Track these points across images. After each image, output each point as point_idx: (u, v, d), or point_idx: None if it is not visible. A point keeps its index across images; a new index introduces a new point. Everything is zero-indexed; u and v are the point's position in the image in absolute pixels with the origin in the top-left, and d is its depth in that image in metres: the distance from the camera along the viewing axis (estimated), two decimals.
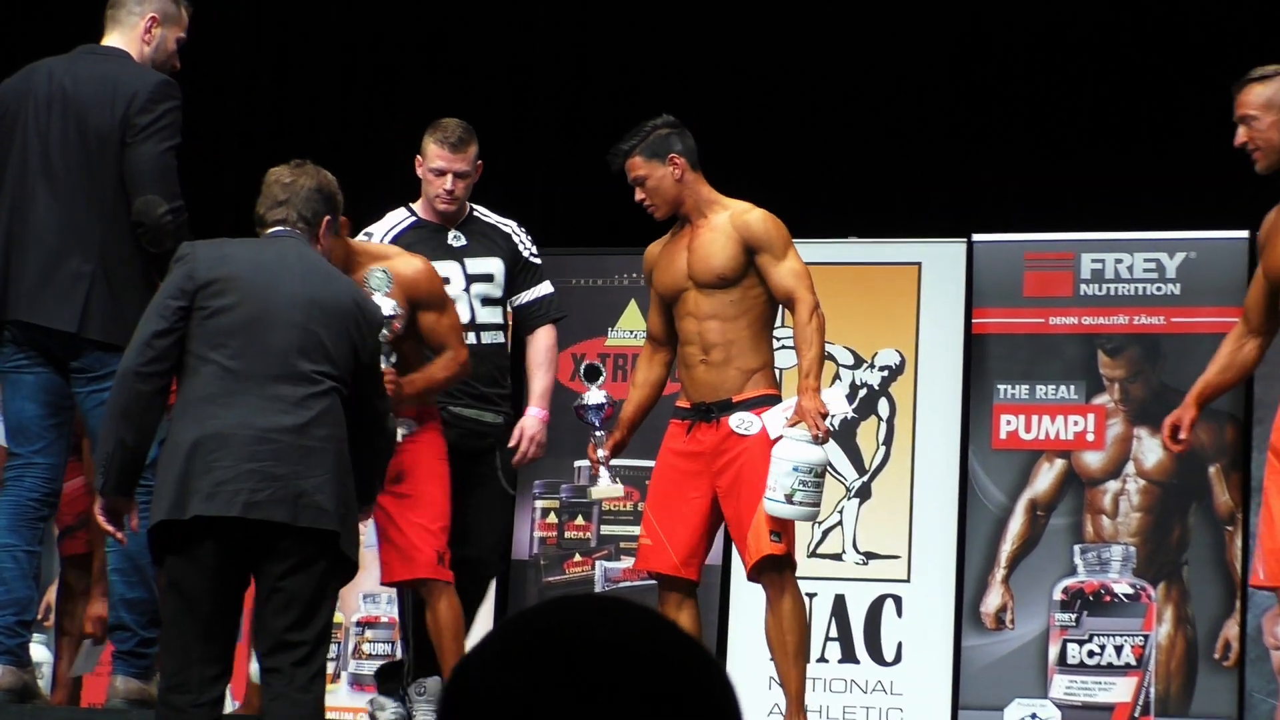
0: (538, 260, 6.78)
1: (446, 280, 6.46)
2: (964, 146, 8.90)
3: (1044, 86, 8.87)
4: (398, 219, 6.72)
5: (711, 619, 7.22)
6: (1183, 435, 5.95)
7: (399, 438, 5.95)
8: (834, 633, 8.15)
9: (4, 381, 5.72)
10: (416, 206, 6.72)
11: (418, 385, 6.11)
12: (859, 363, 8.39)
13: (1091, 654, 7.94)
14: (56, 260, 5.52)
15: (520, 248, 6.73)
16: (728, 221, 6.18)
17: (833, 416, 6.21)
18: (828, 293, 8.46)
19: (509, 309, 6.76)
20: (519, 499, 7.95)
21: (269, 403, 4.91)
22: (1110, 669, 7.91)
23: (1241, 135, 5.88)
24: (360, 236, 6.54)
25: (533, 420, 6.61)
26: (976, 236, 8.36)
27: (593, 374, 6.43)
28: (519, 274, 6.72)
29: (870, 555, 8.29)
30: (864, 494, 8.34)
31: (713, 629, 7.94)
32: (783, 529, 6.05)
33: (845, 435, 8.23)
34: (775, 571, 6.10)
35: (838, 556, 8.29)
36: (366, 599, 8.50)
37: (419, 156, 6.64)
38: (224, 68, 9.59)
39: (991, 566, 8.11)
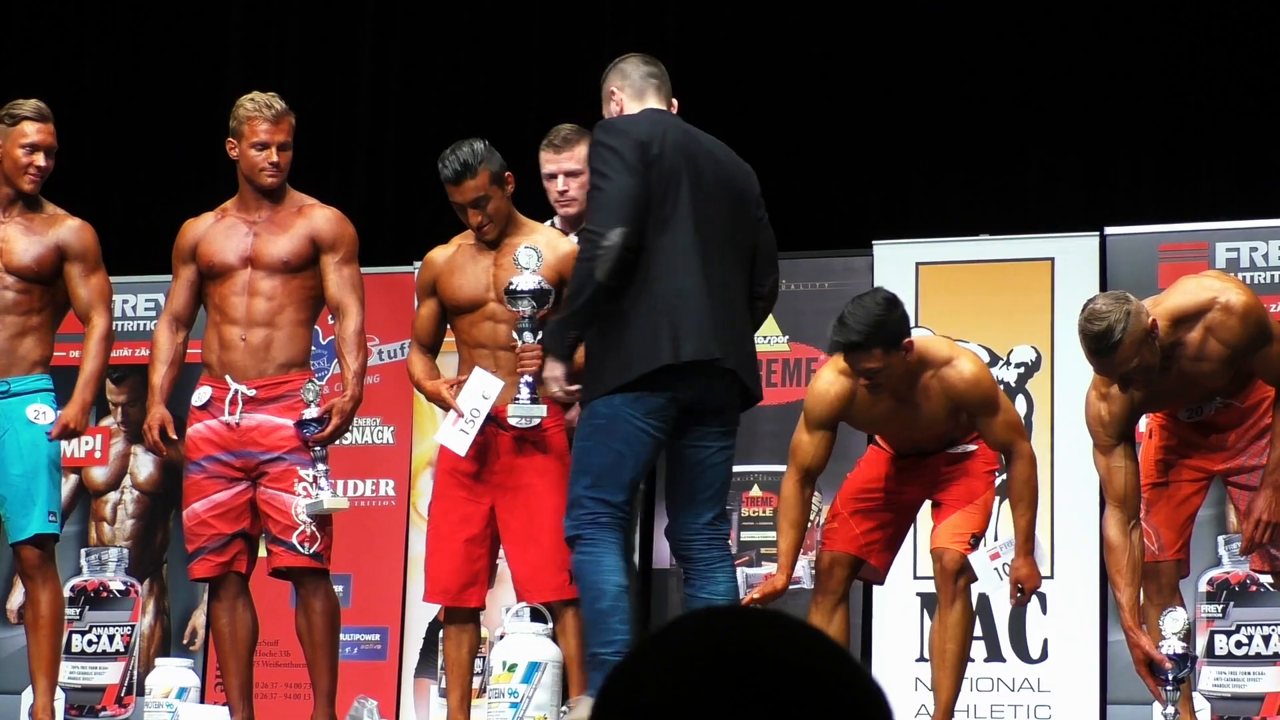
0: None
1: None
2: (1094, 138, 8.85)
3: (1173, 73, 8.82)
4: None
5: (856, 621, 7.18)
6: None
7: (533, 422, 5.97)
8: (979, 631, 8.10)
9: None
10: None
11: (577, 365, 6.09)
12: (995, 360, 8.35)
13: (1239, 644, 7.87)
14: (739, 321, 5.65)
15: None
16: (940, 390, 6.13)
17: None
18: (961, 290, 8.48)
19: None
20: (657, 507, 7.93)
21: None
22: (1259, 659, 7.85)
23: None
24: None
25: None
26: (1109, 229, 8.31)
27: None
28: None
29: None
30: (1004, 491, 8.29)
31: (857, 631, 7.91)
32: (981, 537, 6.13)
33: None
34: (956, 573, 6.18)
35: None
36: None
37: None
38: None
39: None
